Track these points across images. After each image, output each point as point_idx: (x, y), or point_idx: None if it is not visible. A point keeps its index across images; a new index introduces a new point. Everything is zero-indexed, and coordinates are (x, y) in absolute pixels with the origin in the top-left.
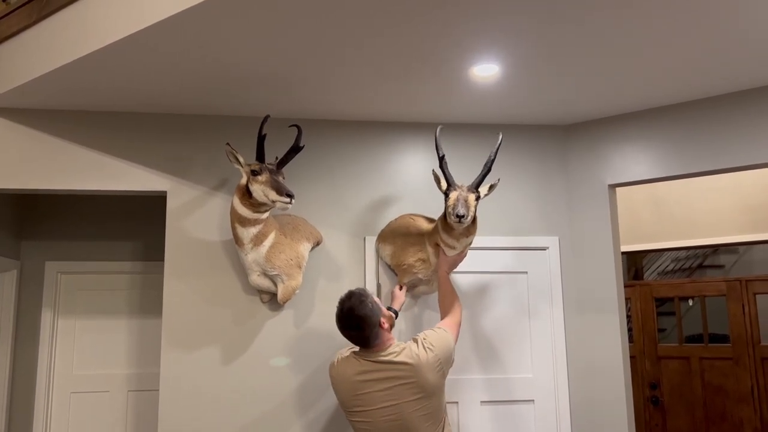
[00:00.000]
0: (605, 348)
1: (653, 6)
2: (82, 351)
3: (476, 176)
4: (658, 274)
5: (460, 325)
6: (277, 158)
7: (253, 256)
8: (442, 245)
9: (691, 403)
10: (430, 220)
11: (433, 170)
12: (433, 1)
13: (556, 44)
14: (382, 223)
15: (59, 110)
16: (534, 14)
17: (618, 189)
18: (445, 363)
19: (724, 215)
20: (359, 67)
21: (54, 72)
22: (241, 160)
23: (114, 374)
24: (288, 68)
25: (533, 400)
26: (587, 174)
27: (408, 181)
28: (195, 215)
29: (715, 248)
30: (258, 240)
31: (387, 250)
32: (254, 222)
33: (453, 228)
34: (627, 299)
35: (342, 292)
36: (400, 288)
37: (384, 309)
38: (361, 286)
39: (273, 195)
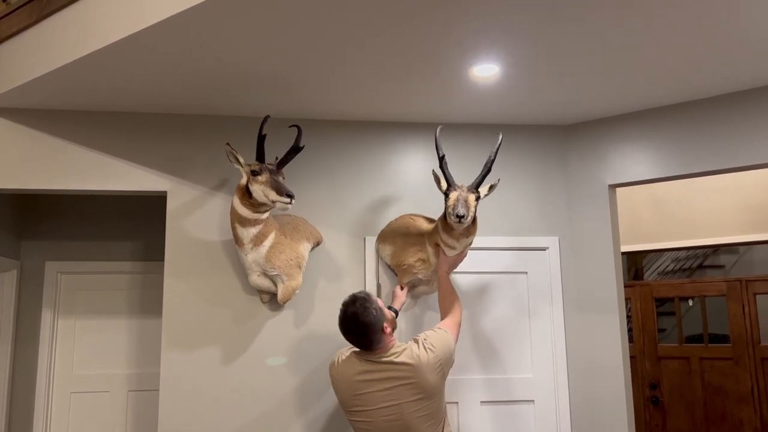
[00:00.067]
0: (605, 348)
1: (654, 5)
2: (82, 351)
3: (476, 176)
4: (658, 274)
5: (460, 325)
6: (277, 158)
7: (253, 256)
8: (442, 245)
9: (691, 403)
10: (430, 220)
11: (433, 170)
12: (434, 0)
13: (556, 44)
14: (382, 223)
15: (59, 110)
16: (534, 14)
17: (618, 189)
18: (446, 363)
19: (725, 215)
20: (360, 67)
21: (54, 72)
22: (241, 160)
23: (114, 374)
24: (289, 68)
25: (533, 400)
26: (587, 174)
27: (408, 181)
28: (195, 215)
29: (716, 248)
30: (258, 240)
31: (387, 250)
32: (254, 222)
33: (453, 228)
34: (627, 299)
35: (342, 292)
36: (402, 288)
37: (387, 311)
38: (361, 286)
39: (273, 195)
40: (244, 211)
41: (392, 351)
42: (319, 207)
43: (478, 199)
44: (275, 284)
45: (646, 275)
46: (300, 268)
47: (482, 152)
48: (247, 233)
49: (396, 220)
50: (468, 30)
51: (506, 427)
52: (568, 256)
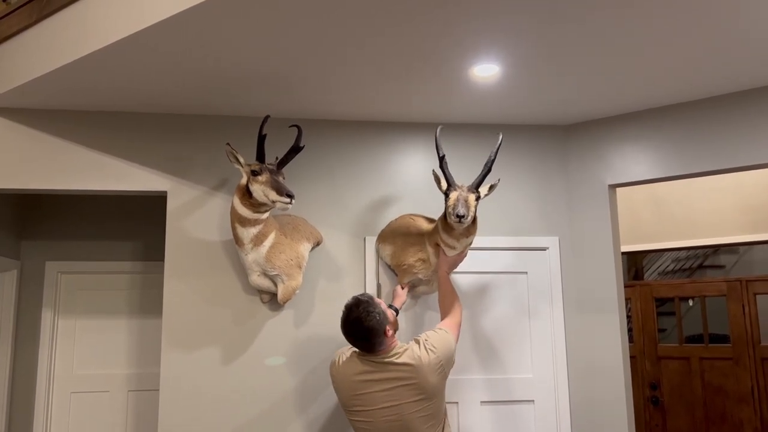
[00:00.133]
0: (605, 348)
1: (654, 5)
2: (82, 351)
3: (476, 176)
4: (658, 274)
5: (460, 325)
6: (277, 158)
7: (253, 257)
8: (442, 245)
9: (691, 403)
10: (430, 220)
11: (433, 170)
12: (434, 0)
13: (556, 44)
14: (382, 223)
15: (59, 110)
16: (534, 14)
17: (618, 189)
18: (447, 364)
19: (725, 215)
20: (360, 67)
21: (54, 72)
22: (242, 160)
23: (114, 374)
24: (289, 68)
25: (533, 400)
26: (587, 174)
27: (408, 181)
28: (195, 215)
29: (716, 248)
30: (258, 240)
31: (387, 250)
32: (254, 222)
33: (453, 228)
34: (627, 299)
35: (342, 292)
36: (402, 287)
37: (389, 313)
38: (361, 285)
39: (273, 195)
40: (244, 211)
41: (394, 352)
42: (319, 207)
43: (478, 199)
44: (275, 284)
45: (646, 275)
46: (300, 268)
47: (482, 152)
48: (247, 233)
49: (396, 220)
50: (468, 30)
51: (506, 427)
52: (568, 256)
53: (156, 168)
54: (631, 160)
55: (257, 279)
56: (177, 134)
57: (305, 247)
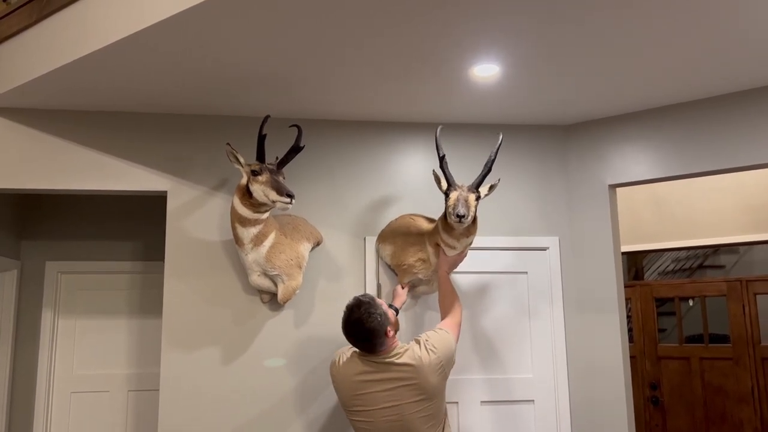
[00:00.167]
0: (605, 348)
1: (653, 6)
2: (82, 351)
3: (476, 176)
4: (658, 274)
5: (460, 325)
6: (277, 158)
7: (253, 256)
8: (442, 245)
9: (691, 403)
10: (430, 220)
11: (433, 170)
12: (433, 1)
13: (556, 44)
14: (382, 223)
15: (59, 110)
16: (534, 14)
17: (618, 189)
18: (447, 364)
19: (726, 215)
20: (359, 67)
21: (54, 72)
22: (242, 160)
23: (114, 374)
24: (288, 68)
25: (533, 400)
26: (587, 174)
27: (408, 181)
28: (195, 215)
29: (716, 248)
30: (258, 240)
31: (387, 250)
32: (254, 222)
33: (453, 228)
34: (627, 299)
35: (342, 292)
36: (403, 287)
37: (390, 314)
38: (361, 285)
39: (273, 195)
40: (244, 211)
41: (394, 352)
42: (319, 207)
43: (478, 198)
44: (275, 284)
45: (646, 275)
46: (300, 268)
47: (482, 152)
48: (248, 233)
49: (396, 220)
50: (467, 30)
51: (506, 427)
52: (568, 256)
53: (156, 168)
54: (631, 160)
55: (257, 279)
56: (177, 134)
57: (305, 247)
